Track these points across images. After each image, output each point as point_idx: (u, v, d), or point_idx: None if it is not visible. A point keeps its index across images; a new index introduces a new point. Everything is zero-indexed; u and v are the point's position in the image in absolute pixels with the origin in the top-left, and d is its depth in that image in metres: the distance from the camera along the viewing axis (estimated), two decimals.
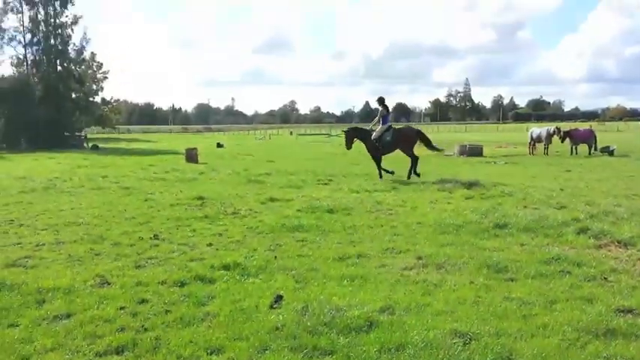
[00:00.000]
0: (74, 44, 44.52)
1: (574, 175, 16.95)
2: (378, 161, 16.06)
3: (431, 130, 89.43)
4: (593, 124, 65.21)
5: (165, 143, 49.22)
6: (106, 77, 52.34)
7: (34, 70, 43.44)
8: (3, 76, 42.46)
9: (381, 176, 15.77)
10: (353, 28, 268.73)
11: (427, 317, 4.84)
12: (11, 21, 42.56)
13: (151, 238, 8.18)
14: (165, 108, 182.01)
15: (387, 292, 5.53)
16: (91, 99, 49.63)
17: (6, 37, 42.33)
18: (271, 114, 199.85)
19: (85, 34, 45.53)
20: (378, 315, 4.87)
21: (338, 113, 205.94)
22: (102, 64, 51.72)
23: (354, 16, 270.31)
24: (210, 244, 7.82)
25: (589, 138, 26.77)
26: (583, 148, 26.50)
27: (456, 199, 11.78)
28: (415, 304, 5.15)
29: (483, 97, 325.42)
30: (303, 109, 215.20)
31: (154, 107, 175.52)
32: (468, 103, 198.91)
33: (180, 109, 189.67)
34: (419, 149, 16.47)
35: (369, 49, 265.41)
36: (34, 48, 43.33)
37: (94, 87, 50.56)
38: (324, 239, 8.07)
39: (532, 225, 8.64)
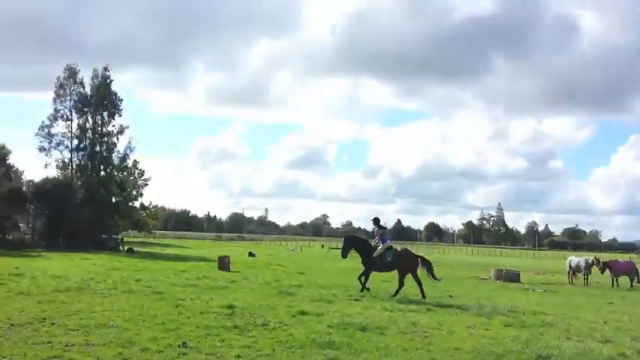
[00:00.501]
0: (118, 152, 46.59)
1: (617, 308, 16.21)
2: (367, 274, 16.28)
3: (464, 253, 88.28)
4: (633, 256, 63.29)
5: (198, 250, 49.70)
6: (146, 184, 54.33)
7: (78, 174, 45.27)
8: (47, 177, 44.26)
9: (362, 290, 15.98)
10: (385, 148, 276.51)
11: None
12: (60, 127, 45.02)
13: (179, 345, 8.03)
14: (200, 215, 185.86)
15: None
16: (130, 204, 51.12)
17: (54, 141, 44.65)
18: (303, 226, 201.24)
19: (129, 142, 47.38)
20: None
21: (369, 229, 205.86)
22: (143, 171, 53.90)
23: (386, 137, 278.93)
24: (238, 357, 7.62)
25: (630, 270, 25.85)
26: (624, 280, 25.50)
27: (495, 326, 11.31)
28: None
29: (517, 222, 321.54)
30: (335, 222, 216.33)
31: (190, 214, 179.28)
32: (501, 228, 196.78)
33: (215, 217, 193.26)
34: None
35: (400, 168, 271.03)
36: (80, 153, 45.41)
37: (134, 192, 52.28)
38: (355, 359, 7.77)
39: (576, 359, 8.17)
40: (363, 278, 16.31)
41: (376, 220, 16.83)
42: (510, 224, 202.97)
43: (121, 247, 42.72)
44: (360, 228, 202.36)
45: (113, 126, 46.08)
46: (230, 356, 7.60)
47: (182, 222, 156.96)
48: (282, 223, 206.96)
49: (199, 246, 63.35)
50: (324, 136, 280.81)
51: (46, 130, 44.53)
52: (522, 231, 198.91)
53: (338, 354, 7.99)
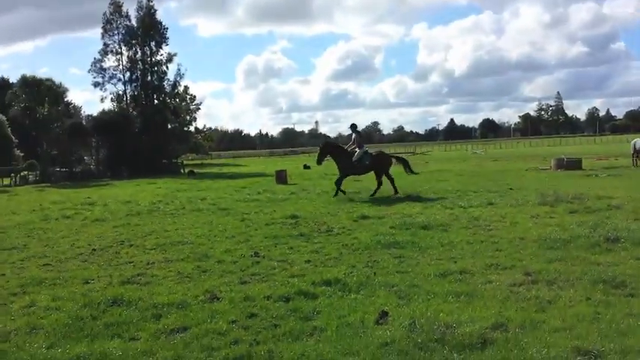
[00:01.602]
0: (169, 79, 47.30)
1: None
2: (341, 179, 16.91)
3: (522, 145, 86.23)
4: None
5: (254, 167, 50.77)
6: (198, 108, 54.98)
7: (133, 105, 46.65)
8: (104, 110, 45.97)
9: (337, 194, 16.48)
10: (435, 48, 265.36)
11: (544, 334, 4.60)
12: (111, 61, 45.94)
13: (251, 255, 8.44)
14: (252, 134, 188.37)
15: (497, 309, 5.32)
16: (185, 129, 52.24)
17: (107, 75, 45.67)
18: None
19: (178, 70, 48.20)
20: (491, 332, 4.70)
21: (422, 132, 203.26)
22: (195, 96, 54.40)
23: (436, 36, 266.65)
24: (308, 261, 7.94)
25: None
26: None
27: (560, 214, 11.21)
28: (530, 321, 4.92)
29: (576, 110, 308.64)
30: (386, 129, 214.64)
31: (242, 133, 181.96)
32: (560, 117, 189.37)
33: (267, 134, 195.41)
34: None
35: (452, 67, 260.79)
36: (133, 85, 46.53)
37: (188, 118, 53.16)
38: (421, 256, 7.96)
39: None
40: (338, 186, 16.86)
41: (354, 127, 17.71)
42: (570, 112, 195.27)
43: (181, 170, 44.28)
44: (412, 132, 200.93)
45: (161, 55, 46.67)
46: (300, 261, 7.93)
47: (236, 142, 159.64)
48: (333, 134, 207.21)
49: (254, 163, 64.69)
50: (371, 43, 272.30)
51: (98, 66, 45.55)
52: (582, 118, 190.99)
53: (403, 252, 8.19)
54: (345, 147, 17.66)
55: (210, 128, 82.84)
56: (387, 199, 15.39)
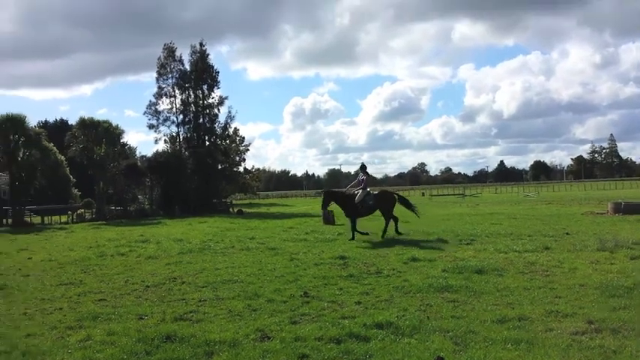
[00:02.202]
0: (220, 122, 49.04)
1: None
2: (354, 222, 16.71)
3: (576, 188, 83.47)
4: None
5: (301, 207, 51.04)
6: (247, 149, 56.22)
7: (186, 146, 48.27)
8: (157, 151, 47.90)
9: (353, 237, 16.26)
10: (482, 89, 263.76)
11: None
12: (165, 104, 48.03)
13: (301, 295, 8.40)
14: (299, 174, 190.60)
15: (559, 358, 5.07)
16: (234, 169, 53.46)
17: (161, 118, 47.72)
18: (400, 176, 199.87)
19: (229, 112, 50.37)
20: None
21: (470, 173, 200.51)
22: (244, 137, 55.83)
23: (483, 77, 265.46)
24: (358, 303, 7.82)
25: None
26: None
27: (620, 260, 10.71)
28: None
29: (631, 152, 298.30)
30: (433, 170, 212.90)
31: (289, 174, 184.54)
32: (614, 159, 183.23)
33: (313, 174, 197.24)
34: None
35: (500, 108, 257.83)
36: (186, 126, 48.39)
37: (237, 158, 54.42)
38: (476, 300, 7.72)
39: None
40: (353, 229, 16.65)
41: (363, 167, 17.93)
42: (624, 155, 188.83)
43: (231, 210, 45.03)
44: (460, 173, 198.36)
45: (213, 98, 48.55)
46: (351, 302, 7.83)
47: (283, 182, 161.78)
48: (379, 176, 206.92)
49: (301, 203, 65.08)
50: (416, 84, 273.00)
51: (153, 108, 47.67)
52: (638, 161, 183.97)
53: (457, 297, 7.97)
54: (348, 187, 18.03)
55: (259, 169, 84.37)
56: (436, 241, 15.09)
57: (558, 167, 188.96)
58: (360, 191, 17.15)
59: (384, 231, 16.70)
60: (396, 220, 16.93)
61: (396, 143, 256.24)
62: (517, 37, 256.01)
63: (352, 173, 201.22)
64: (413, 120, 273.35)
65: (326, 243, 15.88)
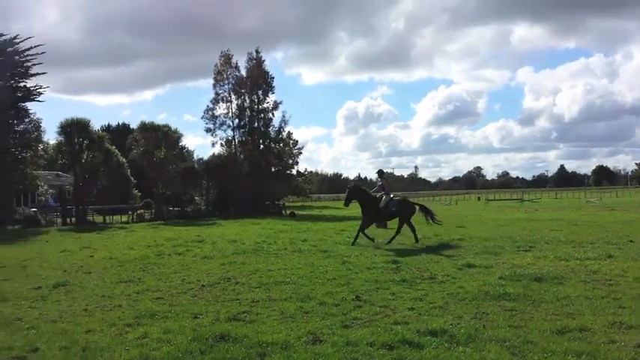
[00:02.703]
0: (274, 126, 49.92)
1: None
2: (367, 225, 16.82)
3: None
4: None
5: (353, 210, 50.78)
6: (300, 152, 56.74)
7: (241, 149, 49.44)
8: (214, 154, 49.34)
9: (355, 241, 16.33)
10: (542, 92, 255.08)
11: None
12: (222, 109, 49.29)
13: (353, 299, 8.35)
14: (351, 177, 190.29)
15: None
16: (287, 172, 54.08)
17: (217, 122, 49.00)
18: (455, 180, 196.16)
19: (283, 116, 51.26)
20: None
21: (529, 178, 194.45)
22: (297, 141, 56.38)
23: (543, 80, 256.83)
24: (411, 308, 7.70)
25: None
26: None
27: None
28: None
29: None
30: (490, 174, 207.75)
31: (342, 177, 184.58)
32: None
33: (366, 177, 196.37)
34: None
35: (561, 111, 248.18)
36: (241, 130, 49.59)
37: (290, 161, 55.04)
38: (535, 310, 7.45)
39: None
40: (362, 231, 16.66)
41: (381, 173, 18.15)
42: None
43: (283, 212, 45.60)
44: (518, 177, 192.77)
45: (268, 102, 49.52)
46: (403, 308, 7.71)
47: (335, 185, 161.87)
48: (433, 179, 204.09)
49: (353, 206, 64.74)
50: (473, 87, 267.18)
51: (210, 113, 49.09)
52: None
53: (515, 305, 7.72)
54: (371, 193, 17.67)
55: (311, 172, 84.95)
56: (493, 247, 14.68)
57: (622, 172, 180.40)
58: (384, 196, 17.01)
59: (392, 239, 16.49)
60: (413, 229, 16.77)
61: (451, 147, 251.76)
62: (578, 40, 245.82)
63: (405, 176, 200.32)
64: (469, 123, 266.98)
65: (378, 247, 15.75)
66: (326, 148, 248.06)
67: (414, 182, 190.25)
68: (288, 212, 44.27)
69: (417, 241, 16.36)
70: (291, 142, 54.78)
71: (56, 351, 6.04)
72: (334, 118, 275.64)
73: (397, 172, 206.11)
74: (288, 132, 52.47)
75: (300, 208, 56.90)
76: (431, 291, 8.95)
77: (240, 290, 9.43)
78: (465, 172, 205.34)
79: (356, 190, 17.91)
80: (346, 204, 18.00)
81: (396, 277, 10.34)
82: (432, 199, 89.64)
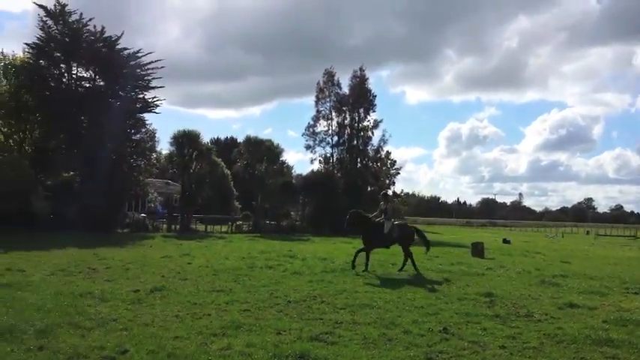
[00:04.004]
0: (372, 144, 50.52)
1: None
2: (368, 251, 16.07)
3: None
4: None
5: (449, 235, 49.52)
6: (398, 173, 56.21)
7: (339, 167, 49.99)
8: (312, 171, 50.27)
9: (354, 267, 15.55)
10: None
11: None
12: (322, 126, 50.71)
13: (440, 330, 8.02)
14: (450, 201, 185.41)
15: None
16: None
17: (317, 139, 50.45)
18: (563, 211, 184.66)
19: (383, 135, 51.30)
20: None
21: None
22: (395, 161, 55.92)
23: None
24: (503, 347, 7.26)
25: None
26: None
27: None
28: None
29: None
30: (602, 207, 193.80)
31: (439, 200, 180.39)
32: None
33: (465, 202, 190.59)
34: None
35: None
36: (340, 148, 50.53)
37: (387, 181, 54.70)
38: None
39: None
40: (363, 258, 15.88)
41: (385, 195, 17.70)
42: None
43: None
44: (633, 212, 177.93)
45: (368, 121, 50.41)
46: (494, 346, 7.29)
47: (432, 208, 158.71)
48: (538, 209, 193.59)
49: (450, 231, 63.09)
50: (589, 112, 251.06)
51: (310, 130, 50.78)
52: None
53: (618, 353, 7.06)
54: (371, 216, 16.89)
55: (408, 193, 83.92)
56: (599, 287, 13.57)
57: None
58: (386, 221, 16.31)
59: (404, 265, 16.02)
60: (410, 255, 16.05)
61: (561, 175, 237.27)
62: None
63: (508, 204, 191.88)
64: (582, 150, 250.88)
65: (472, 277, 15.11)
66: (425, 170, 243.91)
67: (517, 210, 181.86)
68: None
69: (401, 269, 15.87)
70: (389, 161, 54.49)
71: (144, 354, 6.32)
72: (436, 138, 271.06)
73: (499, 199, 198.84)
74: (387, 151, 52.35)
75: None
76: (526, 330, 8.41)
77: (325, 310, 9.40)
78: (574, 203, 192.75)
79: (358, 215, 17.20)
80: (346, 228, 17.62)
81: (488, 311, 9.83)
82: (535, 230, 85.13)
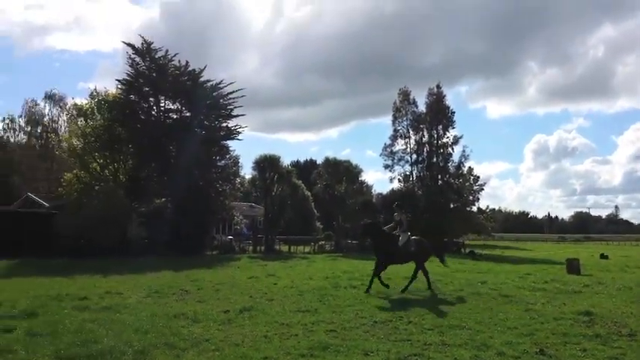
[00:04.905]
0: (453, 161, 49.56)
1: None
2: (381, 268, 14.94)
3: None
4: None
5: (541, 252, 47.32)
6: (482, 189, 54.54)
7: (419, 184, 49.47)
8: (392, 189, 50.05)
9: (369, 289, 14.32)
10: None
11: None
12: (400, 145, 50.59)
13: (536, 352, 7.65)
14: (539, 216, 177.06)
15: None
16: (467, 209, 52.34)
17: (395, 158, 50.33)
18: None
19: (463, 151, 50.18)
20: None
21: None
22: (478, 177, 54.34)
23: None
24: None
25: None
26: None
27: None
28: None
29: None
30: None
31: (529, 216, 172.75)
32: None
33: (557, 217, 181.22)
34: None
35: None
36: (419, 166, 50.15)
37: (471, 198, 53.24)
38: None
39: None
40: (376, 276, 14.83)
41: (399, 206, 16.17)
42: None
43: (462, 250, 44.05)
44: None
45: (447, 137, 49.64)
46: None
47: (521, 224, 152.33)
48: (636, 221, 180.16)
49: (540, 248, 60.21)
50: None
51: (388, 150, 50.85)
52: None
53: None
54: (386, 228, 15.87)
55: (494, 209, 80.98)
56: None
57: None
58: (402, 233, 15.22)
59: (410, 284, 14.93)
60: (426, 273, 15.12)
61: None
62: None
63: (603, 217, 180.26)
64: None
65: (569, 295, 14.31)
66: (511, 185, 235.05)
67: (614, 223, 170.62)
68: (467, 251, 42.63)
69: (430, 287, 14.78)
70: (472, 177, 53.07)
71: None
72: (521, 152, 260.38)
73: (594, 212, 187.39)
74: (469, 167, 51.16)
75: (481, 247, 54.26)
76: (630, 350, 7.86)
77: (413, 331, 9.21)
78: None
79: (372, 226, 16.42)
80: (361, 240, 16.90)
81: (588, 331, 9.26)
82: (634, 244, 79.36)
